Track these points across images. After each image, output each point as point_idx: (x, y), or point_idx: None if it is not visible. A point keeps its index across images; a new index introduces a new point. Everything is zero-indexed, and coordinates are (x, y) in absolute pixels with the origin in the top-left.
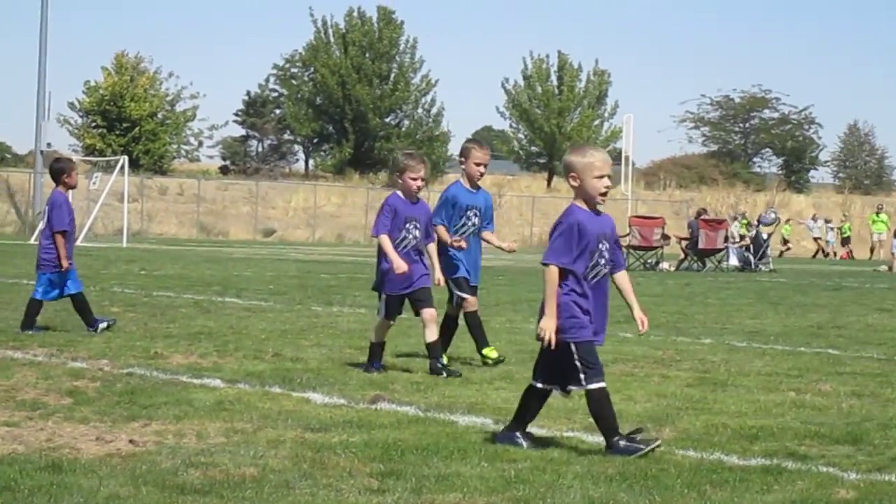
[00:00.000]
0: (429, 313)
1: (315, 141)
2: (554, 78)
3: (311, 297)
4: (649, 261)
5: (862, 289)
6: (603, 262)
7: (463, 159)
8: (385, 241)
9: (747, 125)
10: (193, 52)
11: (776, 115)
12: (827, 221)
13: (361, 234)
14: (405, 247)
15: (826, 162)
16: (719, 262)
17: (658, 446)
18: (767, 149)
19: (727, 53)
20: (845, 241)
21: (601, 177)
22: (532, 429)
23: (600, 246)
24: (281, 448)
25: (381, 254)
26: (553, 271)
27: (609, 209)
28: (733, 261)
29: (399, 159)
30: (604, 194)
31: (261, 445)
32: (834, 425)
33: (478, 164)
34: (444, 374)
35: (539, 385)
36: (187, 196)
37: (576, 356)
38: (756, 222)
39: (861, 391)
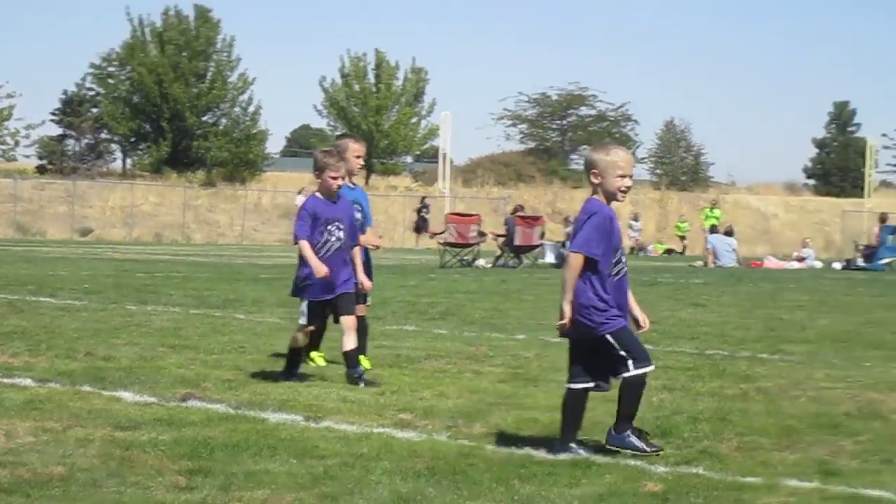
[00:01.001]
0: (349, 321)
1: (132, 140)
2: (371, 76)
3: (126, 296)
4: (466, 258)
5: (677, 284)
6: (624, 259)
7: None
8: (304, 245)
9: (565, 122)
10: (9, 51)
11: (593, 112)
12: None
13: (179, 233)
14: (328, 250)
15: (643, 158)
16: (535, 258)
17: (658, 452)
18: (585, 146)
19: (545, 51)
20: (681, 239)
21: (623, 176)
22: (342, 425)
23: (621, 244)
24: (90, 447)
25: (301, 258)
26: (578, 259)
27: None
28: (549, 257)
29: (317, 157)
30: (624, 192)
31: (69, 444)
32: (644, 419)
33: (358, 157)
34: (362, 384)
35: (579, 386)
36: (3, 196)
37: (617, 346)
38: (573, 218)
39: (672, 385)
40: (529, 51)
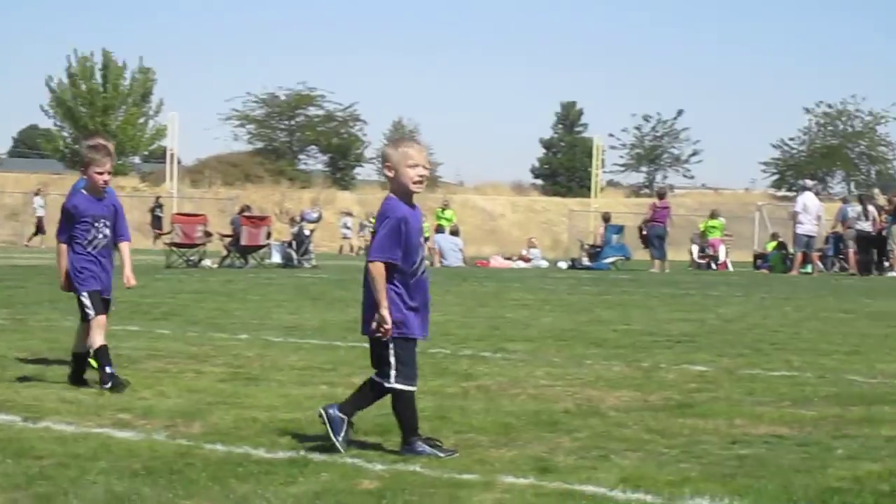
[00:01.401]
0: (101, 319)
1: None
2: (98, 76)
3: None
4: (192, 258)
5: None
6: (423, 256)
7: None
8: (61, 250)
9: (293, 122)
10: None
11: (322, 112)
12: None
13: None
14: (95, 247)
15: (371, 159)
16: (262, 258)
17: (453, 454)
18: (313, 146)
19: (274, 51)
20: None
21: (415, 166)
22: (60, 425)
23: (421, 240)
24: None
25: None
26: (379, 268)
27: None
28: (276, 257)
29: (84, 153)
30: (417, 183)
31: None
32: (364, 417)
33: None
34: (110, 383)
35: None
36: None
37: (392, 353)
38: (300, 218)
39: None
40: (258, 51)
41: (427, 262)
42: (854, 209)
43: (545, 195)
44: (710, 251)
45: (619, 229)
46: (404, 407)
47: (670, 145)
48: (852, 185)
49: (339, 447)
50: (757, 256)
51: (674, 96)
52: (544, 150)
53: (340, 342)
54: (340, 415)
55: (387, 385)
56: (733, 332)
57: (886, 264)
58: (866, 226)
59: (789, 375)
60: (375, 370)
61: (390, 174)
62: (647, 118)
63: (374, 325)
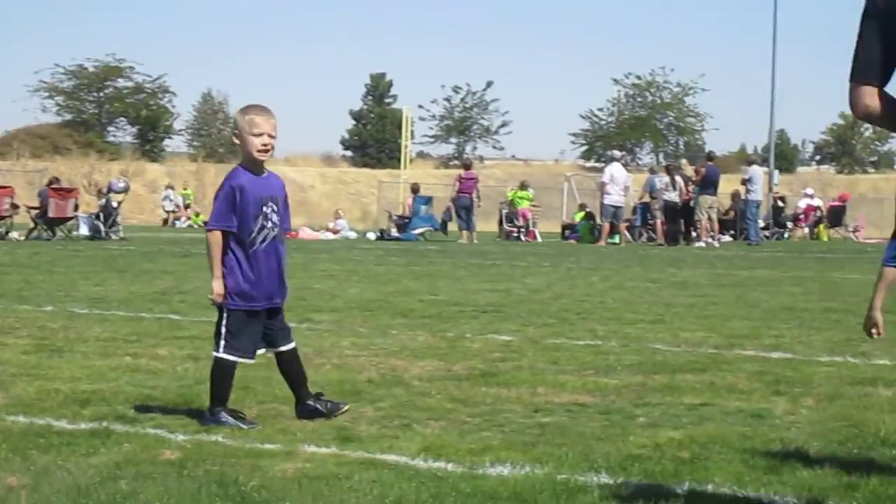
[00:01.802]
0: None
1: None
2: None
3: None
4: None
5: None
6: (270, 224)
7: None
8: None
9: (102, 94)
10: None
11: (131, 84)
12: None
13: None
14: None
15: (181, 130)
16: (70, 230)
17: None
18: (122, 118)
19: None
20: (187, 207)
21: (260, 134)
22: None
23: (265, 209)
24: None
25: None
26: (216, 236)
27: None
28: (84, 229)
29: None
30: (262, 152)
31: None
32: (167, 388)
33: None
34: None
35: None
36: None
37: (224, 323)
38: (107, 190)
39: (198, 354)
40: (66, 22)
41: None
42: (662, 180)
43: (355, 167)
44: (518, 222)
45: (428, 200)
46: (221, 376)
47: (480, 116)
48: (661, 155)
49: (249, 426)
50: (565, 227)
51: (483, 68)
52: (354, 122)
53: (146, 314)
54: (216, 416)
55: (214, 354)
56: (539, 302)
57: (694, 234)
58: (674, 196)
59: (593, 344)
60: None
61: (237, 141)
62: (456, 89)
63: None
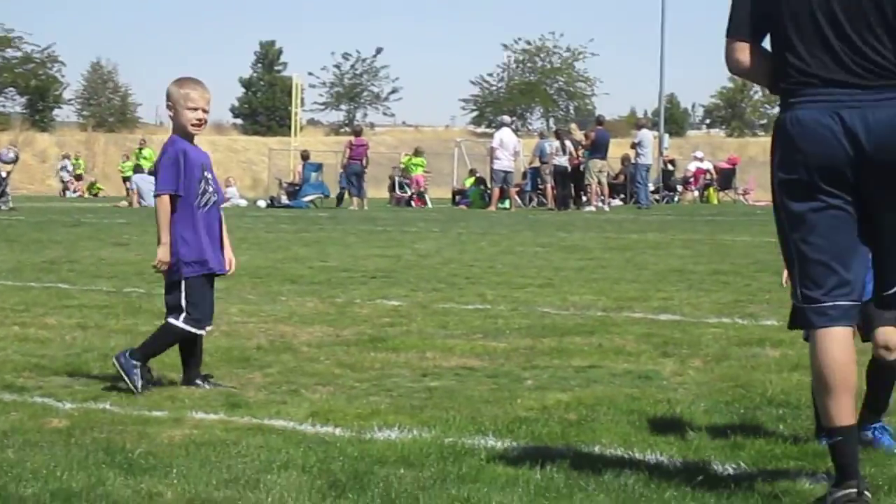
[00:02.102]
0: None
1: None
2: None
3: None
4: None
5: (100, 224)
6: (211, 189)
7: None
8: None
9: None
10: None
11: (19, 54)
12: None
13: None
14: None
15: (70, 100)
16: None
17: (137, 391)
18: (11, 88)
19: None
20: (79, 178)
21: (195, 109)
22: None
23: (205, 174)
24: None
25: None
26: (165, 201)
27: None
28: None
29: None
30: (196, 126)
31: None
32: (55, 357)
33: None
34: None
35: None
36: None
37: (184, 294)
38: None
39: (86, 323)
40: None
41: (124, 203)
42: (551, 144)
43: (245, 135)
44: (412, 188)
45: (318, 167)
46: (168, 343)
47: (370, 83)
48: (551, 120)
49: (136, 389)
50: (456, 192)
51: (373, 34)
52: (244, 90)
53: (34, 283)
54: (131, 362)
55: (171, 321)
56: (429, 267)
57: (584, 198)
58: (563, 161)
59: (482, 308)
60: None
61: (171, 113)
62: (346, 56)
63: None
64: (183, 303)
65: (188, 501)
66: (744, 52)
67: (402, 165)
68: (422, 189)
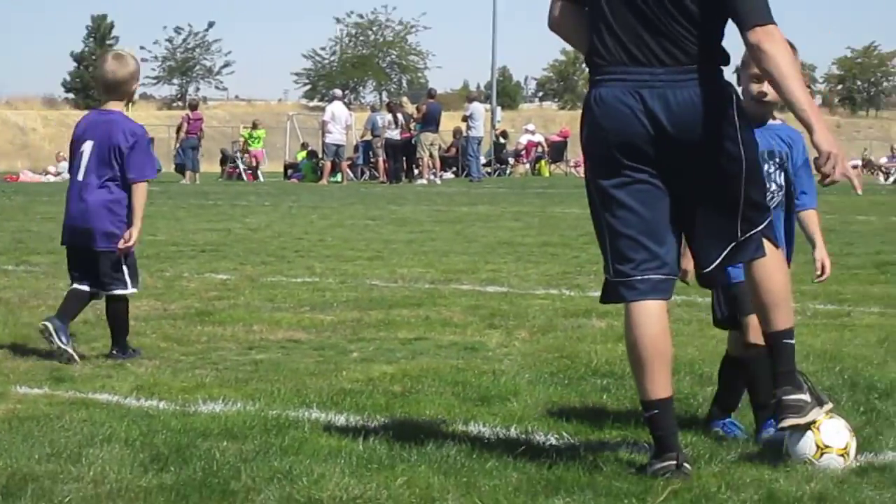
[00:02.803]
0: None
1: None
2: None
3: None
4: None
5: None
6: None
7: None
8: None
9: None
10: None
11: None
12: None
13: None
14: None
15: None
16: None
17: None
18: None
19: None
20: None
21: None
22: None
23: None
24: None
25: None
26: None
27: None
28: None
29: None
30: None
31: None
32: None
33: None
34: None
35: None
36: None
37: (127, 263)
38: None
39: None
40: None
41: None
42: (383, 118)
43: (77, 109)
44: (250, 161)
45: (150, 141)
46: (126, 311)
47: (202, 57)
48: (384, 94)
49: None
50: (288, 166)
51: (205, 8)
52: (76, 64)
53: None
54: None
55: (128, 291)
56: (258, 241)
57: (416, 172)
58: (395, 134)
59: (311, 282)
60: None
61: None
62: (178, 30)
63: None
64: (126, 269)
65: (9, 476)
66: (562, 11)
67: (243, 139)
68: (260, 162)
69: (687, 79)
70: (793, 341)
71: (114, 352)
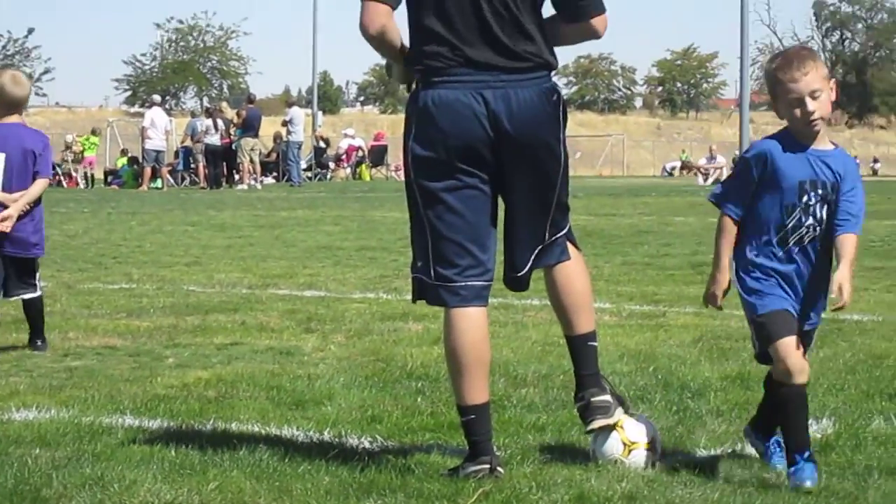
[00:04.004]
0: None
1: None
2: None
3: None
4: None
5: None
6: None
7: None
8: None
9: None
10: None
11: None
12: None
13: None
14: None
15: None
16: None
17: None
18: None
19: None
20: None
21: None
22: None
23: None
24: None
25: None
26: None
27: None
28: None
29: None
30: None
31: None
32: None
33: None
34: None
35: None
36: None
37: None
38: None
39: None
40: None
41: None
42: (203, 123)
43: None
44: (88, 169)
45: None
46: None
47: (22, 64)
48: (205, 99)
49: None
50: (108, 173)
51: (24, 15)
52: None
53: None
54: None
55: (39, 294)
56: (76, 248)
57: (236, 177)
58: (215, 139)
59: (128, 288)
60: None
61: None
62: None
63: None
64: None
65: None
66: (381, 15)
67: (80, 146)
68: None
69: (527, 79)
70: (596, 343)
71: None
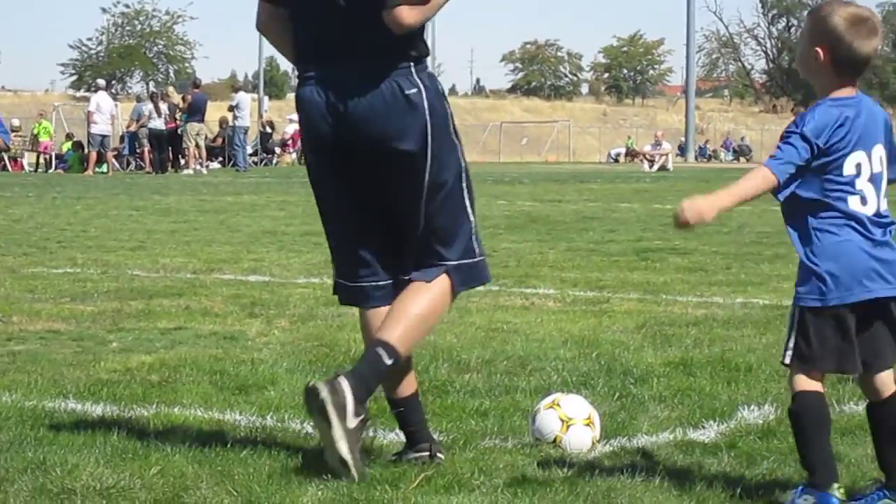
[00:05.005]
0: None
1: None
2: None
3: None
4: None
5: None
6: None
7: None
8: None
9: None
10: None
11: None
12: None
13: None
14: None
15: None
16: None
17: None
18: None
19: None
20: None
21: None
22: None
23: None
24: None
25: None
26: None
27: None
28: None
29: None
30: None
31: None
32: None
33: None
34: None
35: None
36: None
37: None
38: None
39: None
40: None
41: None
42: (148, 107)
43: None
44: (42, 153)
45: None
46: None
47: None
48: (151, 84)
49: None
50: (53, 157)
51: None
52: None
53: None
54: None
55: None
56: (20, 232)
57: (182, 161)
58: (159, 123)
59: (72, 272)
60: None
61: None
62: None
63: None
64: None
65: None
66: (262, 12)
67: (35, 132)
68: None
69: (371, 72)
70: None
71: None
